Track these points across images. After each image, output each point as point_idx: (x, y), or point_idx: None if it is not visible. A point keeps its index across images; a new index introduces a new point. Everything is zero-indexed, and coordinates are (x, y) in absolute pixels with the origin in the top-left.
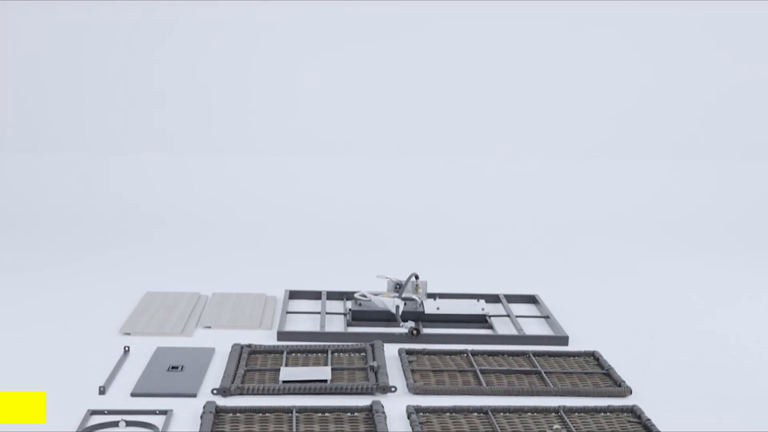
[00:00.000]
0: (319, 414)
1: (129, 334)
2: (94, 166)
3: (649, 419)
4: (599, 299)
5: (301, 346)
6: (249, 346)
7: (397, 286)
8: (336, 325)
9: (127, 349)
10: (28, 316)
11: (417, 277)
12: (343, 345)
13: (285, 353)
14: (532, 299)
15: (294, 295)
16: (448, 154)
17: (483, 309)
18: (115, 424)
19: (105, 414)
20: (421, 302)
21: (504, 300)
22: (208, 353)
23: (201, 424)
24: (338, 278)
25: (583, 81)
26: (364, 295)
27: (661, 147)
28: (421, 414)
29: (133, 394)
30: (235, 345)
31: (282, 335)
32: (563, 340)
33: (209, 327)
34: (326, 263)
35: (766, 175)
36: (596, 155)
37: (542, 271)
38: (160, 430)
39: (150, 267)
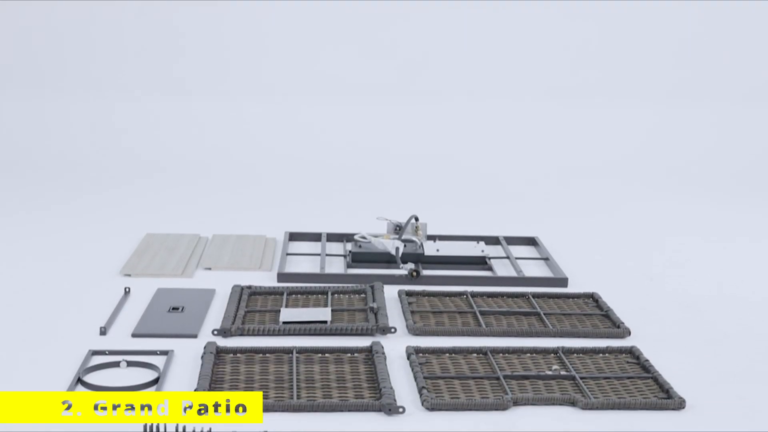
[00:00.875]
0: (319, 354)
1: (129, 275)
2: (100, 109)
3: (647, 360)
4: (599, 241)
5: (301, 287)
6: (249, 287)
7: (397, 228)
8: (336, 266)
9: (127, 290)
10: (27, 255)
11: (417, 219)
12: (342, 286)
13: (285, 295)
14: (531, 241)
15: (294, 236)
16: (448, 98)
17: (483, 251)
18: (117, 364)
19: (106, 354)
20: (421, 244)
21: (504, 242)
22: (209, 294)
23: (202, 365)
24: (338, 220)
25: (588, 19)
26: (363, 237)
27: (660, 91)
28: (421, 354)
29: (134, 335)
30: (235, 286)
31: (282, 276)
32: (562, 281)
33: (209, 268)
34: (326, 205)
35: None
36: (596, 98)
37: (542, 213)
38: (161, 370)
39: (150, 209)
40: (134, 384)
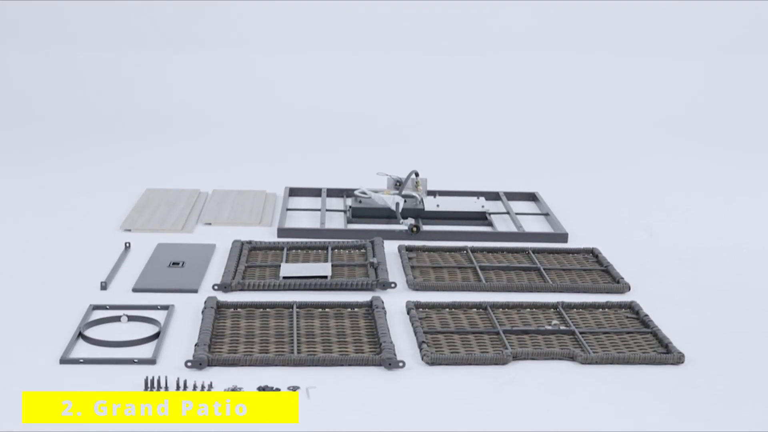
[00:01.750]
0: (320, 309)
1: (129, 230)
2: (105, 60)
3: (647, 315)
4: (599, 196)
5: (302, 242)
6: (249, 242)
7: (397, 183)
8: (336, 222)
9: (127, 245)
10: (27, 209)
11: (417, 174)
12: (343, 242)
13: (285, 250)
14: (532, 197)
15: (294, 192)
16: (449, 51)
17: (483, 206)
18: (117, 319)
19: (107, 309)
20: (421, 199)
21: (504, 197)
22: (209, 249)
23: (203, 319)
24: (339, 175)
25: None
26: (364, 192)
27: (659, 42)
28: (421, 309)
29: (134, 290)
30: (235, 241)
31: (282, 232)
32: (563, 237)
33: (209, 224)
34: (327, 159)
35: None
36: (600, 51)
37: (542, 168)
38: (162, 324)
39: (150, 163)
40: (135, 338)
